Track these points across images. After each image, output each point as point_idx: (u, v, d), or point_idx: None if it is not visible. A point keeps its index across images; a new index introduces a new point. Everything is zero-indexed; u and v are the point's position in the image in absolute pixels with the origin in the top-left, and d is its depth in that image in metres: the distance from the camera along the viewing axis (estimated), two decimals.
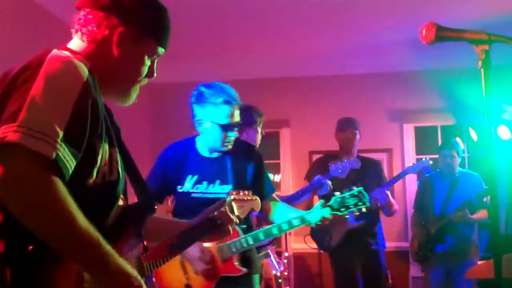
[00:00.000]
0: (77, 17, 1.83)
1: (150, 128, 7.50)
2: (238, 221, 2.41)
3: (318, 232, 5.06)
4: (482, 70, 1.75)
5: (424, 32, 1.83)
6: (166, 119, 7.48)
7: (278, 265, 5.57)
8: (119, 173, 1.82)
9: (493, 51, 1.78)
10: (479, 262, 5.08)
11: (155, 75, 2.04)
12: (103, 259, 1.57)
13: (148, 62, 1.96)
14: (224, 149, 3.34)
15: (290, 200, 4.21)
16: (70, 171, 1.55)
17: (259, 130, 4.17)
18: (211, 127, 3.24)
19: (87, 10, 1.81)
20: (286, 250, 5.87)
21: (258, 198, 2.57)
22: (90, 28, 1.79)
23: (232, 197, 2.44)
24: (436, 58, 6.24)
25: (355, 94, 7.04)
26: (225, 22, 5.72)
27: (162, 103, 7.55)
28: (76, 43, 1.82)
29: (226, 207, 2.39)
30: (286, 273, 5.68)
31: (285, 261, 5.75)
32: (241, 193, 2.50)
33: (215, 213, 2.36)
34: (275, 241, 6.08)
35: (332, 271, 5.33)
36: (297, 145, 7.31)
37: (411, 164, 5.56)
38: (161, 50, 2.01)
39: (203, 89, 3.19)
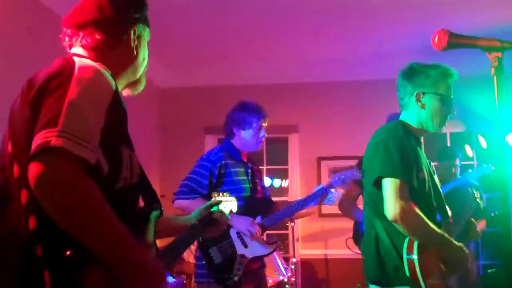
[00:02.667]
0: (79, 34, 1.93)
1: (158, 131, 7.50)
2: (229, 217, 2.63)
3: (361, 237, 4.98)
4: (495, 77, 1.73)
5: (436, 39, 1.83)
6: (174, 122, 7.48)
7: (286, 270, 5.55)
8: (139, 176, 1.90)
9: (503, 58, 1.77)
10: (488, 270, 5.06)
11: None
12: (139, 256, 1.66)
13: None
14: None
15: (294, 208, 4.14)
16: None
17: (255, 131, 4.08)
18: None
19: (91, 27, 1.92)
20: (294, 256, 5.84)
21: (235, 199, 2.72)
22: (98, 37, 1.91)
23: (218, 198, 2.62)
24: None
25: (364, 101, 7.02)
26: (235, 27, 5.73)
27: (170, 107, 7.56)
28: (84, 52, 1.93)
29: (220, 206, 2.58)
30: (293, 279, 5.66)
31: (292, 266, 5.73)
32: (221, 194, 2.67)
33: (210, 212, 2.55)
34: (283, 246, 6.08)
35: None
36: (305, 151, 7.29)
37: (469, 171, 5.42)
38: (149, 29, 2.14)
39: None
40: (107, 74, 1.79)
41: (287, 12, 5.34)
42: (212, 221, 2.50)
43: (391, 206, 2.64)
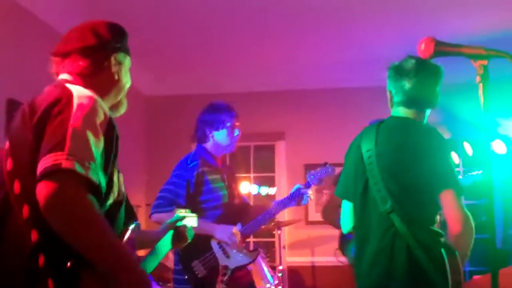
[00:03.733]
0: (65, 62, 2.11)
1: (145, 140, 7.48)
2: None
3: (349, 247, 4.95)
4: (481, 85, 1.74)
5: (422, 46, 1.83)
6: (161, 131, 7.47)
7: (272, 278, 5.54)
8: (123, 193, 2.06)
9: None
10: (474, 277, 5.06)
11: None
12: (130, 263, 1.83)
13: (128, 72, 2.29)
14: None
15: (272, 212, 4.06)
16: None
17: (229, 130, 3.98)
18: None
19: (75, 54, 2.09)
20: (281, 264, 5.83)
21: (195, 216, 2.84)
22: (81, 63, 2.08)
23: (182, 214, 2.77)
24: None
25: (350, 108, 7.04)
26: (219, 36, 5.72)
27: (157, 115, 7.55)
28: (70, 77, 2.09)
29: (183, 221, 2.75)
30: (280, 287, 5.64)
31: (279, 274, 5.71)
32: (183, 211, 2.83)
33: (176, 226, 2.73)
34: (269, 254, 6.06)
35: None
36: (292, 158, 7.30)
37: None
38: (129, 59, 2.30)
39: None
40: (100, 100, 1.95)
41: (273, 20, 5.34)
42: (178, 235, 2.69)
43: (461, 220, 2.57)
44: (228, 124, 3.96)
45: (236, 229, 3.82)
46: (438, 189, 2.62)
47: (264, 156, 7.51)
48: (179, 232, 2.69)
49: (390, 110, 2.98)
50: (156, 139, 7.46)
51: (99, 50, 2.12)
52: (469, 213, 2.59)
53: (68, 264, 1.74)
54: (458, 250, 2.56)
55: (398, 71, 2.87)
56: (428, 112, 2.91)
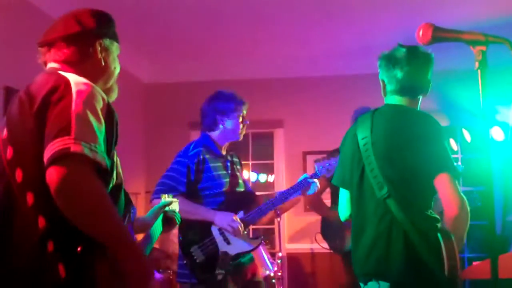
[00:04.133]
0: (51, 51, 2.13)
1: (143, 127, 7.48)
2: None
3: (330, 233, 4.95)
4: (479, 71, 1.74)
5: (421, 32, 1.83)
6: (159, 118, 7.46)
7: (272, 265, 5.55)
8: (121, 177, 2.08)
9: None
10: (473, 263, 5.08)
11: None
12: (133, 245, 1.87)
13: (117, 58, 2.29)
14: None
15: (277, 201, 4.05)
16: None
17: (240, 119, 4.00)
18: None
19: (60, 43, 2.11)
20: (280, 251, 5.84)
21: (177, 200, 2.98)
22: (65, 51, 2.10)
23: (168, 200, 2.88)
24: None
25: (349, 95, 7.02)
26: (218, 23, 5.71)
27: (155, 102, 7.54)
28: (57, 65, 2.11)
29: (170, 206, 2.86)
30: (279, 273, 5.66)
31: (279, 261, 5.73)
32: (166, 196, 2.95)
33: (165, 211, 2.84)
34: (269, 241, 6.08)
35: (346, 273, 4.96)
36: (291, 146, 7.30)
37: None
38: (118, 45, 2.30)
39: None
40: (96, 86, 1.97)
41: (271, 7, 5.33)
42: (168, 220, 2.80)
43: (457, 203, 2.59)
44: (239, 113, 3.98)
45: (236, 217, 3.81)
46: (434, 172, 2.64)
47: (263, 143, 7.51)
48: (167, 217, 2.78)
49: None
50: (155, 126, 7.45)
51: (83, 37, 2.13)
52: (464, 197, 2.61)
53: (79, 248, 1.78)
54: (454, 233, 2.58)
55: (390, 60, 2.89)
56: (421, 98, 2.94)
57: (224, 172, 3.94)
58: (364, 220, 2.82)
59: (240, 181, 4.06)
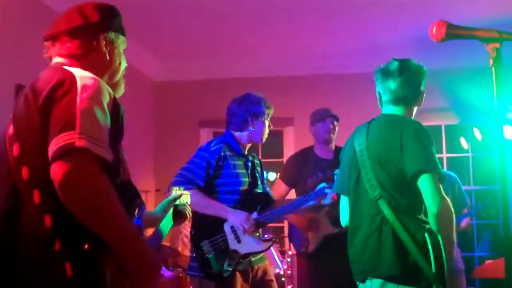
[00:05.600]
0: (55, 45, 2.11)
1: (153, 125, 7.49)
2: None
3: (295, 236, 4.95)
4: (493, 68, 1.72)
5: (434, 30, 1.81)
6: (169, 116, 7.47)
7: (282, 263, 5.56)
8: (128, 172, 2.05)
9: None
10: (486, 262, 5.07)
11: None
12: (139, 242, 1.84)
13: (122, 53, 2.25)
14: None
15: (293, 206, 4.09)
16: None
17: (267, 123, 4.08)
18: None
19: (63, 36, 2.09)
20: (290, 249, 5.84)
21: (189, 193, 2.94)
22: (69, 45, 2.08)
23: (178, 192, 2.86)
24: (440, 58, 6.22)
25: (359, 93, 6.99)
26: (227, 21, 5.71)
27: (165, 100, 7.55)
28: (63, 60, 2.08)
29: (180, 200, 2.84)
30: (289, 272, 5.67)
31: (289, 259, 5.74)
32: (177, 188, 2.92)
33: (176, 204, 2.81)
34: (278, 239, 6.08)
35: (308, 276, 4.93)
36: (301, 144, 7.22)
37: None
38: (124, 38, 2.26)
39: None
40: (101, 80, 1.95)
41: (282, 6, 5.32)
42: (178, 213, 2.76)
43: (437, 201, 2.70)
44: (267, 118, 4.08)
45: (250, 216, 3.82)
46: (417, 174, 2.76)
47: (273, 141, 7.50)
48: (178, 210, 2.76)
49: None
50: (165, 124, 7.45)
51: (86, 30, 2.09)
52: (446, 197, 2.74)
53: (86, 246, 1.76)
54: (440, 233, 2.72)
55: (384, 73, 3.09)
56: (415, 109, 3.11)
57: (244, 171, 3.96)
58: (359, 221, 2.98)
59: (259, 182, 4.08)
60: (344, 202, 3.24)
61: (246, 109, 4.01)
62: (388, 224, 2.80)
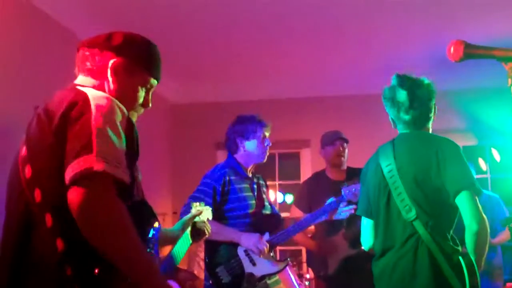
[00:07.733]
0: (79, 58, 2.10)
1: (170, 147, 7.51)
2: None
3: (314, 260, 4.91)
4: (511, 88, 1.70)
5: (452, 49, 1.79)
6: (185, 138, 7.48)
7: (300, 287, 5.50)
8: (142, 193, 2.03)
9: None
10: (507, 284, 5.00)
11: (150, 105, 2.22)
12: (155, 273, 1.81)
13: (142, 92, 2.16)
14: None
15: (303, 224, 4.05)
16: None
17: (261, 140, 4.03)
18: None
19: (86, 51, 2.08)
20: (308, 272, 5.79)
21: (210, 208, 2.96)
22: (88, 65, 2.06)
23: (198, 208, 2.88)
24: (457, 78, 6.19)
25: (376, 114, 6.94)
26: (244, 43, 5.73)
27: (181, 123, 7.57)
28: (83, 80, 2.07)
29: (200, 216, 2.84)
30: None
31: (307, 283, 5.69)
32: (198, 204, 2.94)
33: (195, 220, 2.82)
34: (296, 262, 6.03)
35: None
36: (318, 166, 7.22)
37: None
38: (153, 81, 2.19)
39: None
40: (116, 101, 1.92)
41: (296, 28, 5.33)
42: (197, 231, 2.76)
43: (478, 219, 2.71)
44: (258, 134, 4.01)
45: (262, 238, 3.80)
46: (456, 191, 2.77)
47: (290, 163, 7.48)
48: (197, 228, 2.75)
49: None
50: (181, 146, 7.47)
51: (104, 50, 2.08)
52: (484, 215, 2.74)
53: (96, 270, 1.74)
54: (474, 249, 2.73)
55: (393, 104, 3.08)
56: (431, 122, 3.13)
57: (250, 194, 3.95)
58: (392, 242, 2.95)
59: (266, 203, 4.07)
60: (367, 225, 3.19)
61: (233, 130, 4.04)
62: (423, 245, 2.80)
